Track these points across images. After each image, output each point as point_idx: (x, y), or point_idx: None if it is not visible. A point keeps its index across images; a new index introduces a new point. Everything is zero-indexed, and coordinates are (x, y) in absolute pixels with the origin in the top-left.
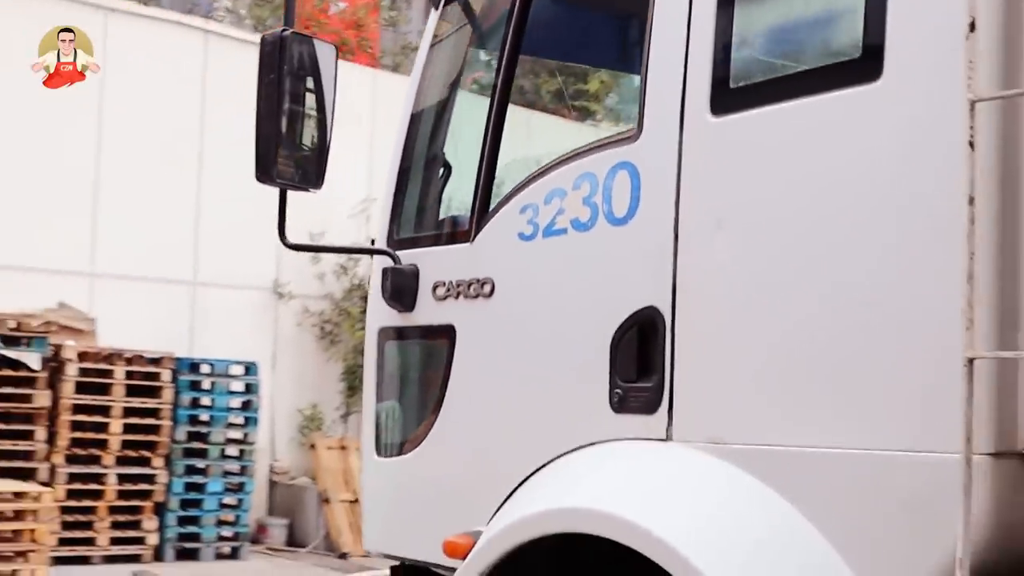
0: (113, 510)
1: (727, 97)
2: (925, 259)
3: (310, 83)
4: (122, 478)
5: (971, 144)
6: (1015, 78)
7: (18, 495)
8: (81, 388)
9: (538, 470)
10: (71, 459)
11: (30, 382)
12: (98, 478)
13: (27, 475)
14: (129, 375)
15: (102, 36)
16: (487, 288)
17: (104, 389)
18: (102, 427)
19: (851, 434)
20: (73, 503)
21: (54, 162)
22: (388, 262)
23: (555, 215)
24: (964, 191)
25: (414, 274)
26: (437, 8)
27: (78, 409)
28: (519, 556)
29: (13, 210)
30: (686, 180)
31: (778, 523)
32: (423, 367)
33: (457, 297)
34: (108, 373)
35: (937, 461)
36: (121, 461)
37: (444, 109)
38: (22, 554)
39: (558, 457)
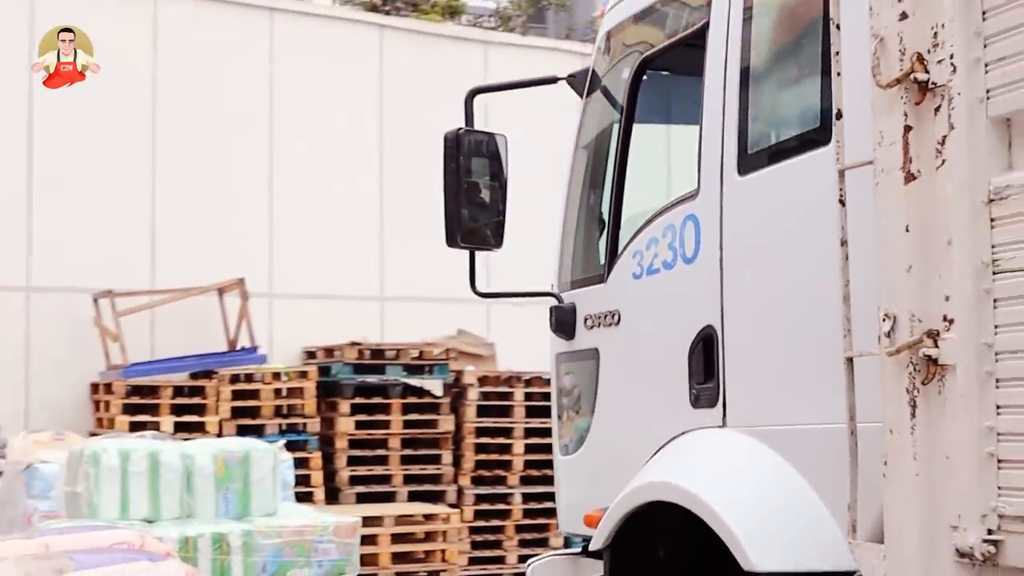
0: (520, 528)
1: (747, 160)
2: (837, 283)
3: (487, 166)
4: (527, 497)
5: (841, 201)
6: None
7: (428, 517)
8: (483, 411)
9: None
10: (477, 480)
11: (434, 408)
12: (504, 498)
13: (436, 498)
14: (528, 396)
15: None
16: (616, 318)
17: (505, 411)
18: (505, 448)
19: (823, 412)
20: (481, 523)
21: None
22: (555, 302)
23: (652, 258)
24: (839, 235)
25: (572, 310)
26: (582, 96)
27: (481, 432)
28: (638, 525)
29: (408, 244)
30: (726, 227)
31: (786, 486)
32: (583, 383)
33: (598, 326)
34: (508, 395)
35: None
36: (525, 480)
37: (589, 172)
38: (434, 574)
39: (664, 446)
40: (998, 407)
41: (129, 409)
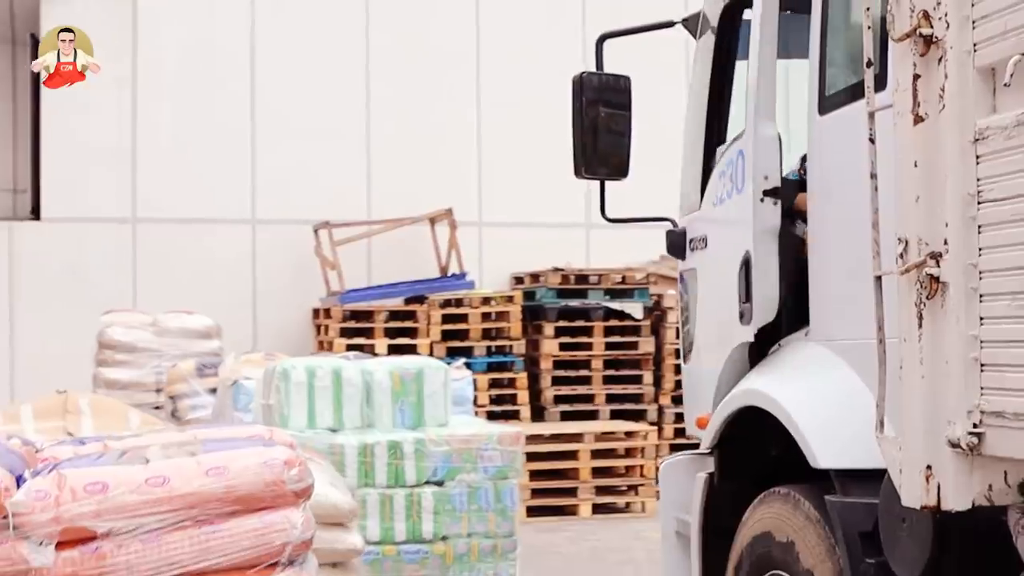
0: None
1: (825, 102)
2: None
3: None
4: None
5: (871, 140)
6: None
7: (629, 434)
8: None
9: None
10: (677, 400)
11: (635, 331)
12: None
13: (637, 416)
14: None
15: None
16: (704, 242)
17: None
18: None
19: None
20: (681, 440)
21: None
22: (671, 226)
23: (722, 188)
24: (869, 169)
25: (683, 234)
26: (695, 36)
27: (680, 354)
28: (746, 426)
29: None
30: (811, 161)
31: (851, 393)
32: (689, 299)
33: (696, 249)
34: None
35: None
36: None
37: (700, 109)
38: (633, 487)
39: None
40: (981, 319)
41: (346, 333)
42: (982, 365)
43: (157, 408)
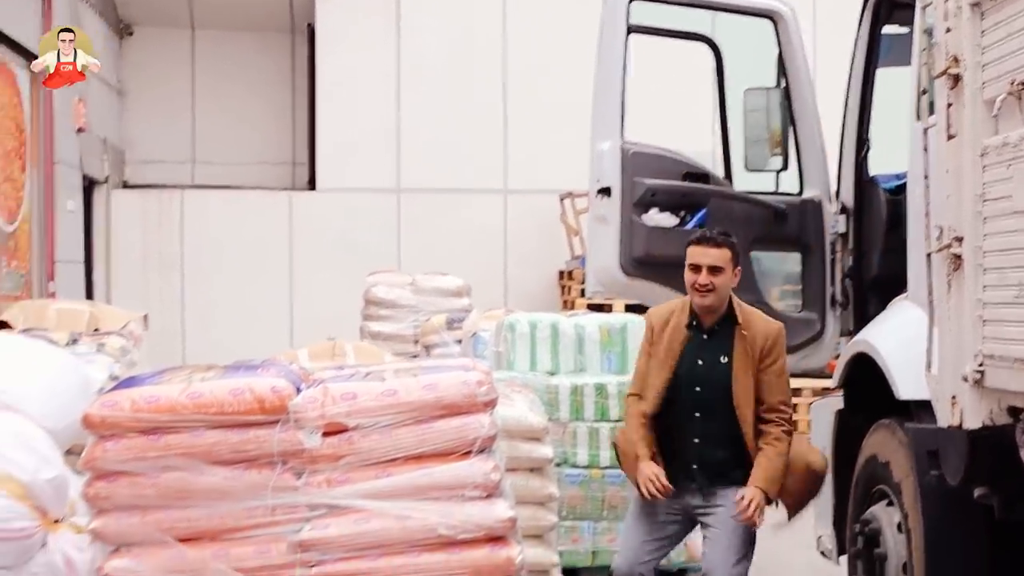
0: None
1: (919, 110)
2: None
3: None
4: None
5: (924, 149)
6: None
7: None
8: None
9: None
10: None
11: None
12: None
13: None
14: None
15: None
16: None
17: None
18: None
19: None
20: None
21: None
22: None
23: None
24: (923, 171)
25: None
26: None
27: None
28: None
29: None
30: (912, 163)
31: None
32: None
33: None
34: None
35: None
36: None
37: (852, 97)
38: None
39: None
40: (984, 287)
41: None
42: (984, 320)
43: (414, 357)
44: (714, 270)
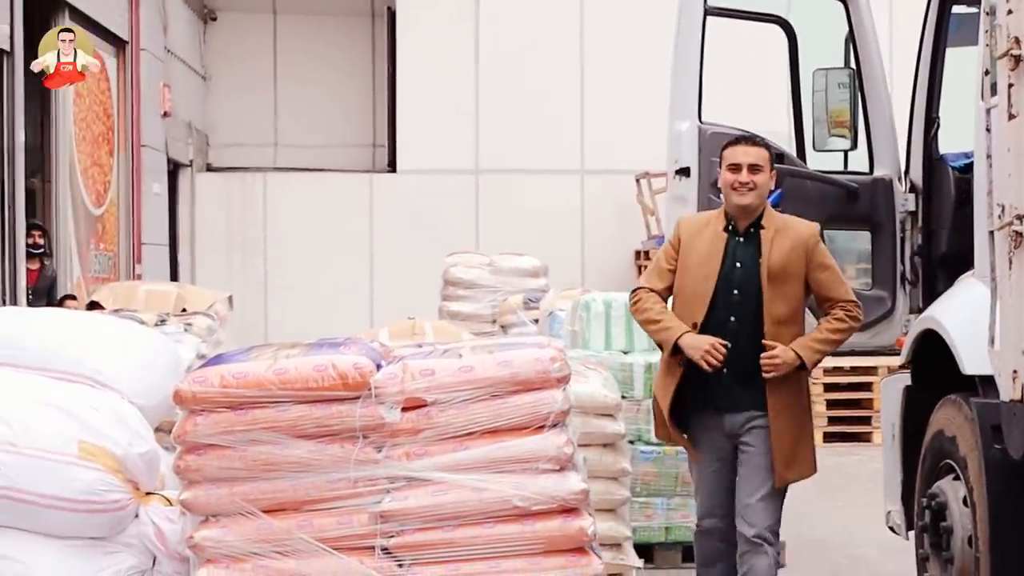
0: None
1: (983, 90)
2: None
3: None
4: None
5: (987, 129)
6: None
7: None
8: None
9: None
10: None
11: None
12: None
13: None
14: None
15: None
16: None
17: None
18: None
19: None
20: None
21: None
22: None
23: None
24: (984, 151)
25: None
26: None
27: None
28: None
29: None
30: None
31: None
32: None
33: None
34: None
35: None
36: None
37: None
38: None
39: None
40: None
41: None
42: None
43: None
44: (754, 168)
